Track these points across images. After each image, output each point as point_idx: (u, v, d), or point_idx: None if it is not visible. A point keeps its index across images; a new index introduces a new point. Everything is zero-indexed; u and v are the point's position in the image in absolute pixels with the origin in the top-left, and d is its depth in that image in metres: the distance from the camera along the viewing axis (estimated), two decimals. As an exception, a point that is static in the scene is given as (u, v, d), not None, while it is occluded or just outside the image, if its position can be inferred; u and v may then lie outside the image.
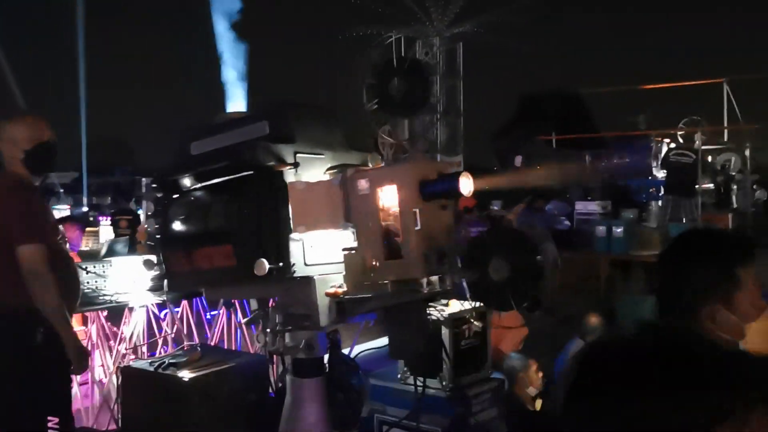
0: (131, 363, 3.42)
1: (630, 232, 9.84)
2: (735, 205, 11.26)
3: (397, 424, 3.05)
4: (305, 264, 2.34)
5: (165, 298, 4.38)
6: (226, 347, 4.98)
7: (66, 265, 2.92)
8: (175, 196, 2.68)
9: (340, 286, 2.39)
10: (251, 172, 2.35)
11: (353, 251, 2.33)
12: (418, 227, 2.14)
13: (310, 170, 2.42)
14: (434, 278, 2.31)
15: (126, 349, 4.04)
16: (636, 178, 12.14)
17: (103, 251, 6.14)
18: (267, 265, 2.23)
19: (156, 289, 4.39)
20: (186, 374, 2.74)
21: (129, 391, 2.96)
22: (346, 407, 2.53)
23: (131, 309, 4.33)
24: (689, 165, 10.07)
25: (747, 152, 12.97)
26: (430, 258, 2.15)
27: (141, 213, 5.73)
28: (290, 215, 2.30)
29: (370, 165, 2.56)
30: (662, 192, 11.02)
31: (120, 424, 3.00)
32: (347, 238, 2.38)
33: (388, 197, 2.25)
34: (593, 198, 11.73)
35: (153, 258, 4.36)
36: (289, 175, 2.34)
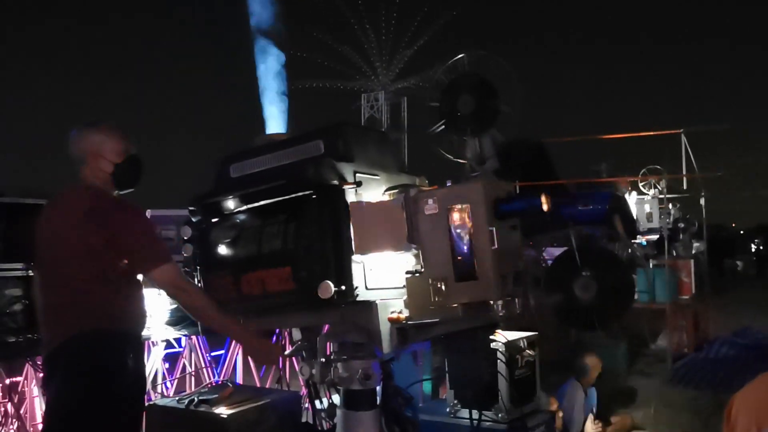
0: (155, 401, 3.19)
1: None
2: (675, 254, 11.67)
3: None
4: (366, 288, 2.22)
5: (186, 332, 4.14)
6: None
7: (141, 288, 2.72)
8: (214, 220, 2.56)
9: (400, 312, 2.29)
10: (311, 192, 2.25)
11: (417, 274, 2.24)
12: (495, 246, 2.07)
13: (367, 191, 2.33)
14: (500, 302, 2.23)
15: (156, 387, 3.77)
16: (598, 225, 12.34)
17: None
18: (333, 288, 2.11)
19: (178, 322, 4.19)
20: (223, 411, 2.56)
21: (156, 431, 2.74)
22: (402, 442, 2.39)
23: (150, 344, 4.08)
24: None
25: (702, 201, 13.47)
26: (507, 278, 2.08)
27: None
28: (352, 236, 2.20)
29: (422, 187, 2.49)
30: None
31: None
32: (408, 260, 2.29)
33: (457, 217, 2.18)
34: (558, 245, 11.86)
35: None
36: (350, 195, 2.25)
